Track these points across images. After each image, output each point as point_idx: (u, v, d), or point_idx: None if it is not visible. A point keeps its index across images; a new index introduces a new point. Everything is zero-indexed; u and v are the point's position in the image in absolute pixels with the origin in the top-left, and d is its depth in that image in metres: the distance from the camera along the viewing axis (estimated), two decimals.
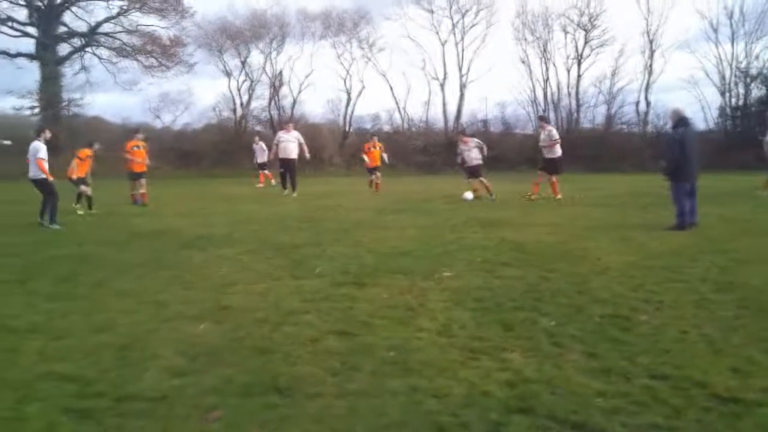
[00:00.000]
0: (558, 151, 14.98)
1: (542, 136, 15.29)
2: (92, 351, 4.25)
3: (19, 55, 33.61)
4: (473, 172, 15.86)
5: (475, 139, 16.35)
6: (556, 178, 15.04)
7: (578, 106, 32.91)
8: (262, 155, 22.45)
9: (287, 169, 17.47)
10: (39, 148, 11.37)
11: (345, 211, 13.11)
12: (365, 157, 18.37)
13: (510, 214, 12.05)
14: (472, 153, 15.79)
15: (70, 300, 5.68)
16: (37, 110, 33.20)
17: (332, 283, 6.22)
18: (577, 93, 32.85)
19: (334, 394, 3.49)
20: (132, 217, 12.37)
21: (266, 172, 22.44)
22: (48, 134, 11.68)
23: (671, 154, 9.72)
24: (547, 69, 33.39)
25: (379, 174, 18.33)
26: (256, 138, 23.43)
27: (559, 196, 14.78)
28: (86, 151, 14.20)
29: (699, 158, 9.97)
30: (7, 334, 4.65)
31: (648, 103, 31.72)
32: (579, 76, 32.77)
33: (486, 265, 7.03)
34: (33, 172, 11.49)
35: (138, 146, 15.79)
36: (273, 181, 21.70)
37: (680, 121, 9.94)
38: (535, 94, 33.71)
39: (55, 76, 33.21)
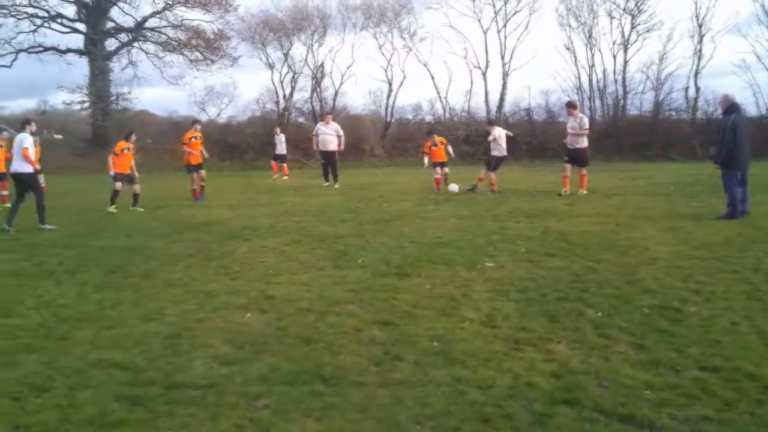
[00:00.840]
0: (586, 141, 13.85)
1: (572, 124, 13.81)
2: (142, 339, 4.37)
3: (68, 51, 34.64)
4: (491, 163, 15.39)
5: (499, 128, 15.68)
6: (586, 170, 13.85)
7: (625, 92, 32.02)
8: (281, 147, 22.63)
9: (328, 161, 17.57)
10: (24, 139, 10.39)
11: (386, 202, 13.12)
12: (426, 159, 17.03)
13: (554, 204, 11.87)
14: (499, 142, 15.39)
15: (120, 290, 5.86)
16: (86, 105, 34.14)
17: (375, 274, 6.25)
18: (623, 79, 31.96)
19: (377, 383, 3.52)
20: (180, 209, 12.64)
21: (284, 164, 22.63)
22: (34, 127, 10.89)
23: (723, 141, 9.42)
24: (592, 55, 32.57)
25: (447, 169, 16.64)
26: (277, 129, 23.49)
27: (585, 192, 13.47)
28: (122, 144, 13.55)
29: (750, 145, 9.66)
30: (59, 323, 4.83)
31: (697, 89, 30.64)
32: (625, 61, 31.87)
33: (530, 255, 6.96)
34: (17, 166, 10.43)
35: (195, 137, 15.17)
36: (275, 176, 22.02)
37: (731, 107, 9.64)
38: (579, 81, 32.97)
39: (104, 71, 34.05)
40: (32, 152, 10.51)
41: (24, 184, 10.47)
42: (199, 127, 15.93)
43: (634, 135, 28.93)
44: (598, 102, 32.82)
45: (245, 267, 6.75)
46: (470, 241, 7.92)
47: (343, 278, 6.11)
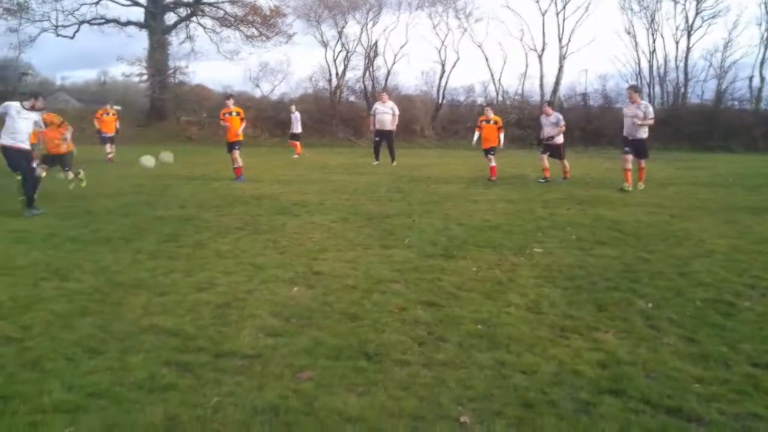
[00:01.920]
0: (647, 131, 12.20)
1: (635, 111, 11.96)
2: (193, 308, 4.49)
3: (129, 23, 35.40)
4: (550, 149, 13.77)
5: (556, 113, 13.94)
6: (645, 163, 12.32)
7: (686, 80, 30.93)
8: (297, 125, 22.35)
9: (384, 140, 17.55)
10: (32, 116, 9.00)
11: (435, 183, 13.07)
12: (476, 135, 14.69)
13: (607, 192, 11.60)
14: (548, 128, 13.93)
15: (173, 259, 6.01)
16: (145, 77, 34.92)
17: (421, 254, 6.25)
18: (685, 66, 30.86)
19: (420, 362, 3.54)
20: (232, 182, 12.85)
21: (298, 143, 22.22)
22: (40, 102, 9.25)
23: None
24: (653, 40, 31.53)
25: (491, 157, 14.07)
26: (293, 107, 23.30)
27: (644, 185, 12.08)
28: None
29: None
30: (114, 288, 5.00)
31: (762, 79, 29.32)
32: (688, 48, 30.74)
33: (580, 242, 6.84)
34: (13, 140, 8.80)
35: (230, 113, 13.80)
36: (296, 156, 21.27)
37: None
38: (639, 66, 32.00)
39: (162, 44, 34.69)
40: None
41: (25, 160, 8.94)
42: (231, 102, 14.22)
43: (694, 124, 28.01)
44: (657, 89, 31.87)
45: (293, 242, 6.83)
46: (519, 226, 7.83)
47: (390, 257, 6.13)
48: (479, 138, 14.53)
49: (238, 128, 13.74)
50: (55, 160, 11.47)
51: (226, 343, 3.80)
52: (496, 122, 14.50)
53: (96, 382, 3.24)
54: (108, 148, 18.62)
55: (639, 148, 12.12)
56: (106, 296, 4.77)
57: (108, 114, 19.37)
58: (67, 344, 3.77)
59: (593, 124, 29.62)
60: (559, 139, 13.65)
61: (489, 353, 3.67)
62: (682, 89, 31.19)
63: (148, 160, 17.00)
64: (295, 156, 21.27)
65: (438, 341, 3.88)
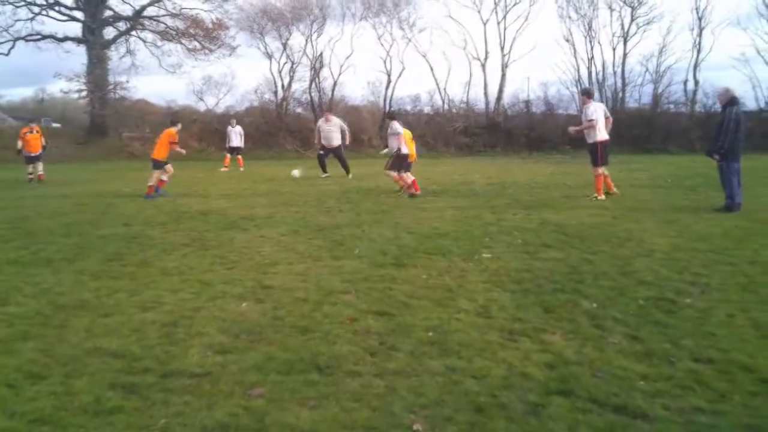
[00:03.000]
0: (596, 135, 11.28)
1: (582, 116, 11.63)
2: (138, 328, 4.38)
3: (66, 39, 34.44)
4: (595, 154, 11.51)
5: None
6: (599, 170, 11.38)
7: (624, 85, 31.95)
8: (236, 139, 22.33)
9: (334, 154, 17.45)
10: None
11: (384, 193, 13.10)
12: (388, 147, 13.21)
13: (552, 196, 11.87)
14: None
15: (117, 278, 5.85)
16: (84, 93, 34.00)
17: (372, 264, 6.26)
18: (622, 72, 31.88)
19: (372, 373, 3.53)
20: (177, 198, 12.61)
21: (239, 157, 22.25)
22: None
23: (726, 133, 9.40)
24: (591, 47, 32.41)
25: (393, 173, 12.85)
26: (233, 121, 23.21)
27: (601, 196, 11.18)
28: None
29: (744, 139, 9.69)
30: (56, 310, 4.83)
31: (696, 82, 30.55)
32: (625, 54, 31.76)
33: (526, 246, 6.97)
34: None
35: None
36: (241, 168, 21.54)
37: (731, 100, 9.64)
38: (579, 73, 32.85)
39: (102, 59, 33.86)
40: None
41: None
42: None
43: (633, 128, 28.89)
44: (597, 94, 32.69)
45: (242, 257, 6.75)
46: (467, 232, 7.93)
47: (340, 268, 6.12)
48: (391, 150, 13.03)
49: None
50: None
51: (173, 363, 3.71)
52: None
53: (39, 408, 3.12)
54: (30, 168, 17.96)
55: (589, 154, 11.63)
56: (48, 319, 4.60)
57: (32, 132, 18.64)
58: (8, 370, 3.62)
59: (536, 131, 30.32)
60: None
61: (440, 360, 3.70)
62: (621, 94, 32.20)
63: (296, 172, 17.68)
64: (224, 169, 21.33)
65: (390, 350, 3.89)
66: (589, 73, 32.54)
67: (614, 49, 32.15)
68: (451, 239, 7.49)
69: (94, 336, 4.23)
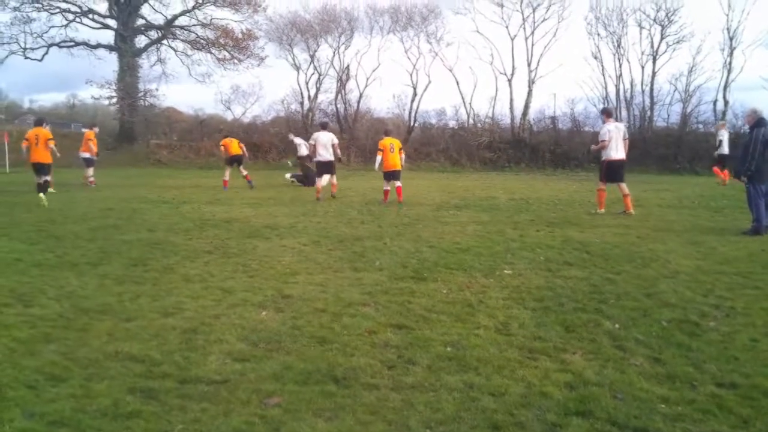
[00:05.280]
0: (611, 153, 11.77)
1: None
2: (159, 333, 4.42)
3: (99, 46, 35.23)
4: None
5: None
6: (600, 186, 12.06)
7: (652, 103, 31.66)
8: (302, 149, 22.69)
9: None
10: None
11: (406, 206, 13.11)
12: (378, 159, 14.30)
13: (576, 213, 11.77)
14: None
15: (139, 283, 5.92)
16: (114, 100, 34.63)
17: (391, 277, 6.25)
18: (651, 90, 31.59)
19: (389, 386, 3.51)
20: (202, 206, 12.74)
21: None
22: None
23: (753, 155, 9.25)
24: (620, 65, 32.23)
25: (398, 183, 14.10)
26: (291, 134, 23.70)
27: (602, 210, 11.83)
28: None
29: None
30: (79, 314, 4.89)
31: (726, 102, 30.15)
32: (654, 72, 31.52)
33: (548, 264, 6.91)
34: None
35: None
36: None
37: (759, 121, 9.48)
38: (606, 90, 32.68)
39: (133, 67, 34.53)
40: None
41: None
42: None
43: (660, 147, 28.61)
44: (624, 112, 32.45)
45: (263, 265, 6.78)
46: (489, 248, 7.88)
47: (360, 280, 6.12)
48: (381, 163, 14.15)
49: None
50: None
51: (192, 369, 3.73)
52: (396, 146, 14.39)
53: (58, 410, 3.16)
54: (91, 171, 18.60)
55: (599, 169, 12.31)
56: (70, 322, 4.66)
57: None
58: (29, 371, 3.67)
59: (562, 147, 30.12)
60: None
61: (458, 375, 3.67)
62: (649, 113, 31.89)
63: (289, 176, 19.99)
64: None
65: (407, 364, 3.87)
66: (617, 91, 32.34)
67: (643, 67, 31.93)
68: (473, 254, 7.45)
69: (116, 340, 4.27)
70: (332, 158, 15.01)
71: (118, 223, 9.94)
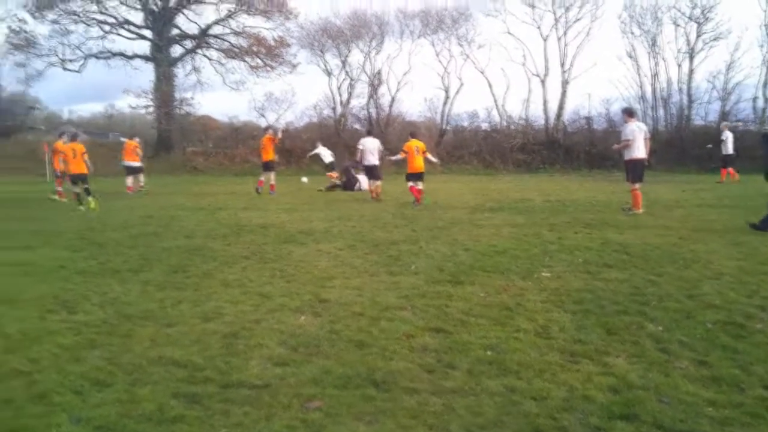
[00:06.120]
0: (634, 152, 11.76)
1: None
2: (200, 338, 4.48)
3: (135, 56, 36.04)
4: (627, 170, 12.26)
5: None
6: (631, 186, 11.91)
7: (690, 102, 31.02)
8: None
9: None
10: None
11: (441, 209, 13.08)
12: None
13: (614, 215, 11.58)
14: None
15: (180, 289, 6.01)
16: (151, 109, 35.37)
17: (428, 281, 6.23)
18: (688, 88, 30.95)
19: (429, 390, 3.50)
20: (238, 212, 12.90)
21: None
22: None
23: None
24: (656, 64, 31.67)
25: (420, 185, 14.59)
26: (319, 143, 24.14)
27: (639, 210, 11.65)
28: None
29: None
30: (122, 320, 4.98)
31: (766, 100, 29.44)
32: (691, 70, 30.89)
33: (588, 266, 6.81)
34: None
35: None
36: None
37: None
38: (642, 90, 32.13)
39: (168, 76, 35.22)
40: None
41: None
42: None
43: (699, 146, 27.99)
44: (661, 111, 31.91)
45: (300, 270, 6.83)
46: (526, 250, 7.81)
47: (396, 284, 6.12)
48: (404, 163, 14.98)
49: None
50: None
51: (234, 374, 3.77)
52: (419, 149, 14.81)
53: (104, 415, 3.22)
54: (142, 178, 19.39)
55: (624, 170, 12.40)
56: (114, 328, 4.75)
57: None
58: (75, 377, 3.75)
59: (597, 147, 29.67)
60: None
61: (498, 379, 3.64)
62: (686, 111, 31.24)
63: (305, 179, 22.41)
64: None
65: (447, 368, 3.85)
66: (653, 90, 31.79)
67: (679, 66, 31.29)
68: (509, 257, 7.39)
69: (158, 345, 4.34)
70: (378, 162, 16.06)
71: (157, 230, 10.12)
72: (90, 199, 14.12)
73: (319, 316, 5.03)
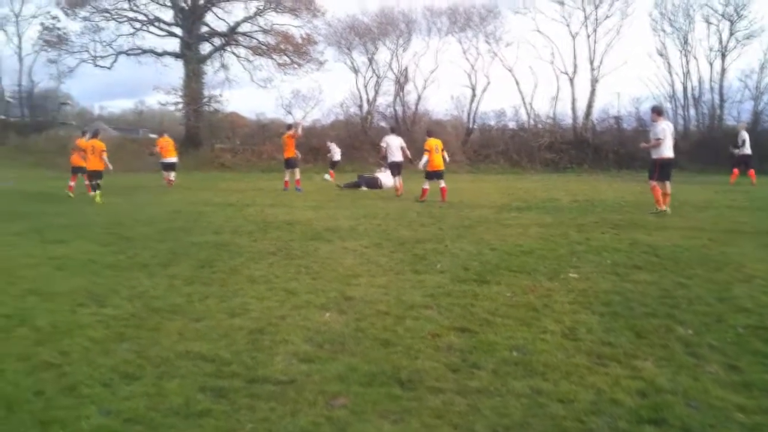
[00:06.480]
0: (663, 151, 11.71)
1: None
2: (227, 333, 4.52)
3: (165, 53, 36.46)
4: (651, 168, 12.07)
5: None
6: (654, 183, 11.78)
7: (722, 101, 30.46)
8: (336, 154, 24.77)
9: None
10: None
11: (467, 208, 13.02)
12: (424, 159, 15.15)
13: (643, 216, 11.42)
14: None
15: (207, 284, 6.07)
16: (180, 106, 35.77)
17: (453, 279, 6.21)
18: (720, 88, 30.40)
19: (455, 390, 3.49)
20: (265, 208, 12.99)
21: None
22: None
23: None
24: (687, 62, 31.15)
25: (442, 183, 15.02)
26: (329, 141, 25.65)
27: (661, 208, 11.55)
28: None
29: None
30: (150, 313, 5.05)
31: None
32: (723, 69, 30.34)
33: (616, 267, 6.72)
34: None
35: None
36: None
37: None
38: (673, 88, 31.60)
39: (197, 73, 35.57)
40: None
41: None
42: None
43: (730, 146, 27.43)
44: (692, 111, 31.38)
45: (325, 267, 6.86)
46: (553, 251, 7.74)
47: (422, 282, 6.11)
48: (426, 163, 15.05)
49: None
50: None
51: (259, 369, 3.80)
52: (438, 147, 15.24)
53: (133, 408, 3.27)
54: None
55: (649, 167, 12.24)
56: (142, 322, 4.82)
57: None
58: (105, 370, 3.81)
59: (626, 147, 29.26)
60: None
61: (524, 381, 3.61)
62: (718, 111, 30.67)
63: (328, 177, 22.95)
64: (327, 177, 23.32)
65: (472, 368, 3.83)
66: (684, 89, 31.27)
67: (711, 64, 30.73)
68: (536, 257, 7.33)
69: (186, 339, 4.39)
70: (402, 159, 16.45)
71: (185, 226, 10.24)
72: (97, 193, 14.71)
73: (344, 313, 5.05)
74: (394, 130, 17.81)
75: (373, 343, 4.29)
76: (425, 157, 15.00)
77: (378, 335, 4.46)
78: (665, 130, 11.76)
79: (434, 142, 15.11)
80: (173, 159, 20.25)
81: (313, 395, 3.41)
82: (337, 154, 24.95)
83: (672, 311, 5.00)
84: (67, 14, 34.52)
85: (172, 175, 19.90)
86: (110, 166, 15.42)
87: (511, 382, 3.59)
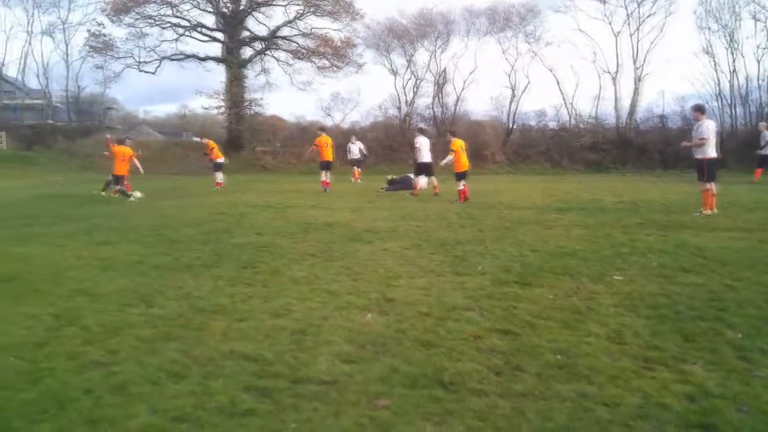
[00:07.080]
0: (708, 151, 11.29)
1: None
2: (270, 333, 4.58)
3: (207, 58, 37.21)
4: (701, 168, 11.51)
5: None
6: (708, 186, 11.30)
7: None
8: (357, 153, 24.76)
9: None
10: None
11: (507, 208, 12.91)
12: (448, 158, 15.35)
13: (690, 216, 11.14)
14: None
15: (250, 285, 6.16)
16: (222, 110, 36.38)
17: (495, 281, 6.17)
18: None
19: (498, 393, 3.47)
20: (306, 210, 13.11)
21: (357, 169, 24.35)
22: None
23: None
24: (733, 60, 30.25)
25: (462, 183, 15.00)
26: (353, 137, 25.43)
27: (709, 212, 11.17)
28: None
29: None
30: (196, 314, 5.15)
31: None
32: None
33: (662, 270, 6.58)
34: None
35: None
36: (355, 179, 23.61)
37: None
38: (719, 86, 30.70)
39: (239, 77, 36.15)
40: None
41: None
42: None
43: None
44: (740, 109, 30.44)
45: (366, 268, 6.88)
46: (596, 252, 7.62)
47: (462, 284, 6.08)
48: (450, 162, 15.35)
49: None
50: None
51: (303, 369, 3.84)
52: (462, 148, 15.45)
53: (180, 407, 3.34)
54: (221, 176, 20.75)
55: (696, 170, 11.73)
56: (188, 322, 4.92)
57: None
58: (152, 369, 3.91)
59: (673, 147, 28.58)
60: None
61: (569, 384, 3.57)
62: (766, 109, 29.71)
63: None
64: (353, 179, 23.42)
65: (515, 371, 3.80)
66: (731, 87, 30.35)
67: (759, 62, 29.76)
68: (579, 259, 7.22)
69: (230, 339, 4.47)
70: (431, 160, 16.67)
71: (228, 227, 10.40)
72: (111, 189, 16.58)
73: (385, 314, 5.06)
74: (423, 132, 17.98)
75: (415, 345, 4.30)
76: (450, 157, 15.24)
77: (419, 337, 4.46)
78: (710, 129, 11.45)
79: (459, 143, 15.40)
80: (218, 160, 20.83)
81: (355, 396, 3.43)
82: (355, 152, 24.78)
83: (721, 314, 4.88)
84: (112, 21, 35.57)
85: (220, 176, 20.48)
86: (141, 170, 17.00)
87: (556, 385, 3.56)
